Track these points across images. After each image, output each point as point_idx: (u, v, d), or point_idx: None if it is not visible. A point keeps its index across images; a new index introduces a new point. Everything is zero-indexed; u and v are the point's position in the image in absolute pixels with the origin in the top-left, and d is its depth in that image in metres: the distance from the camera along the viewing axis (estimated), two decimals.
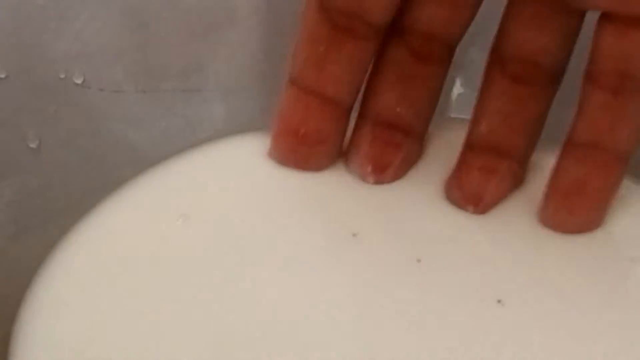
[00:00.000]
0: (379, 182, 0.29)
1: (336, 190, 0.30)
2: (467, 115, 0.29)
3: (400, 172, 0.29)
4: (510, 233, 0.28)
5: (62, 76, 0.35)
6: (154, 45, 0.36)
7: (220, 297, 0.28)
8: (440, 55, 0.29)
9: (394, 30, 0.28)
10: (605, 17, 0.26)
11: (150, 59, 0.36)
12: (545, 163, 0.29)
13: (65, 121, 0.35)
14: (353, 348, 0.26)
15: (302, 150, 0.29)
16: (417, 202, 0.29)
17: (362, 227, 0.29)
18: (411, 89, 0.28)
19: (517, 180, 0.29)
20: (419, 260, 0.27)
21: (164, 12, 0.36)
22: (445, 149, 0.30)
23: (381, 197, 0.29)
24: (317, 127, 0.28)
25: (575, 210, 0.28)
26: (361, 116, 0.29)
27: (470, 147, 0.29)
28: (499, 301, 0.27)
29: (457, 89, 0.36)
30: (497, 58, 0.28)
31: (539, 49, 0.28)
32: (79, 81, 0.35)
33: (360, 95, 0.29)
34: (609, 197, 0.28)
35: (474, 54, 0.33)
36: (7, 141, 0.33)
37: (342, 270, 0.28)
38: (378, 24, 0.27)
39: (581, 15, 0.27)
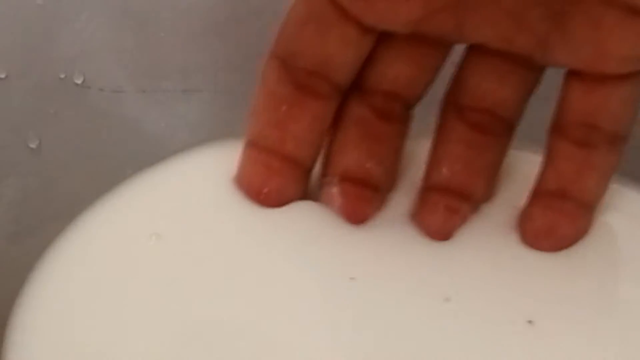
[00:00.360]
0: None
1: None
2: None
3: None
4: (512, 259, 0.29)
5: (62, 76, 0.35)
6: (154, 45, 0.36)
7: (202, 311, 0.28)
8: (402, 114, 0.29)
9: (355, 87, 0.28)
10: (573, 74, 0.27)
11: (150, 59, 0.36)
12: None
13: (65, 121, 0.35)
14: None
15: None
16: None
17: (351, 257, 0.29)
18: (378, 147, 0.29)
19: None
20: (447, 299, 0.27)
21: (164, 12, 0.36)
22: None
23: None
24: (279, 187, 0.28)
25: (545, 249, 0.29)
26: (327, 174, 0.29)
27: (431, 189, 0.29)
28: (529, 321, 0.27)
29: None
30: (454, 106, 0.29)
31: (498, 101, 0.28)
32: (79, 81, 0.35)
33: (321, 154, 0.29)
34: (576, 241, 0.29)
35: None
36: (7, 141, 0.33)
37: (318, 282, 0.28)
38: (341, 83, 0.28)
39: (542, 69, 0.28)
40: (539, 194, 0.29)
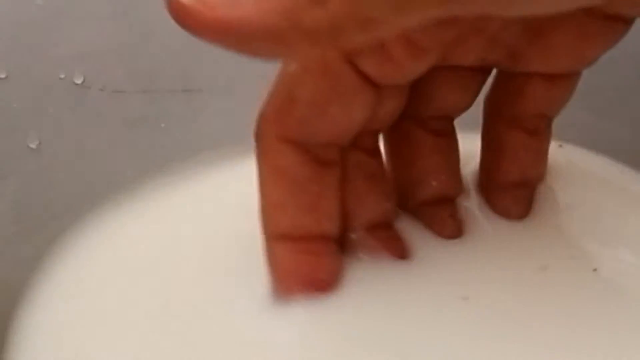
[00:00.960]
0: None
1: None
2: None
3: None
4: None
5: (62, 76, 0.35)
6: (154, 45, 0.36)
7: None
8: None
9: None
10: (538, 74, 0.27)
11: (150, 59, 0.36)
12: None
13: (65, 121, 0.35)
14: None
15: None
16: None
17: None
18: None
19: None
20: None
21: (164, 12, 0.36)
22: None
23: None
24: (331, 269, 0.27)
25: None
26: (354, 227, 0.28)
27: (430, 204, 0.29)
28: None
29: None
30: (416, 120, 0.28)
31: (460, 106, 0.28)
32: (79, 81, 0.35)
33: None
34: None
35: None
36: (7, 141, 0.33)
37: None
38: (347, 144, 0.27)
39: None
40: (505, 187, 0.29)
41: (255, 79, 0.35)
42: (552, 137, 0.30)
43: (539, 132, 0.29)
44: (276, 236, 0.27)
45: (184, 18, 0.21)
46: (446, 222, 0.29)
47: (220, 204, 0.31)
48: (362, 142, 0.27)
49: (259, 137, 0.26)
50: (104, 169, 0.34)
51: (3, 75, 0.34)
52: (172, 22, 0.37)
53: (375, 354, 0.26)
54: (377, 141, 0.28)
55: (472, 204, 0.30)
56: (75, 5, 0.35)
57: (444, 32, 0.25)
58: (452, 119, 0.29)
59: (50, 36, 0.35)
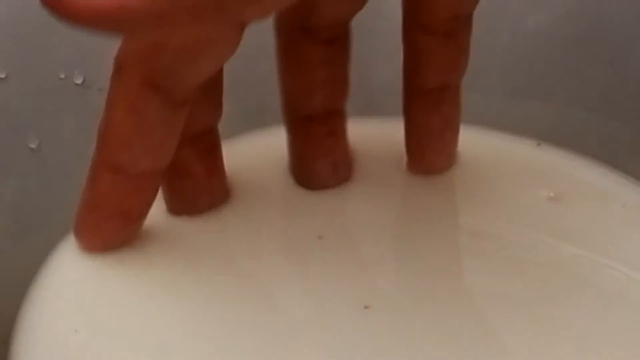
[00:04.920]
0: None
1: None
2: None
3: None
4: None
5: (62, 76, 0.35)
6: None
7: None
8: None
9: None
10: None
11: None
12: None
13: (65, 121, 0.35)
14: None
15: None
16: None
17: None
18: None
19: None
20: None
21: None
22: None
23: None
24: (146, 204, 0.28)
25: (440, 152, 0.30)
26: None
27: (311, 118, 0.29)
28: None
29: None
30: (305, 30, 0.28)
31: (351, 10, 0.28)
32: (79, 81, 0.35)
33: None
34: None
35: None
36: (7, 141, 0.33)
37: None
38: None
39: None
40: (425, 92, 0.29)
41: (255, 79, 0.35)
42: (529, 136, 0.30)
43: (455, 34, 0.28)
44: (110, 166, 0.26)
45: (59, 10, 0.20)
46: (323, 140, 0.29)
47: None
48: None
49: (120, 70, 0.25)
50: None
51: (3, 75, 0.33)
52: None
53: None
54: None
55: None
56: None
57: None
58: (345, 24, 0.28)
59: (50, 36, 0.34)
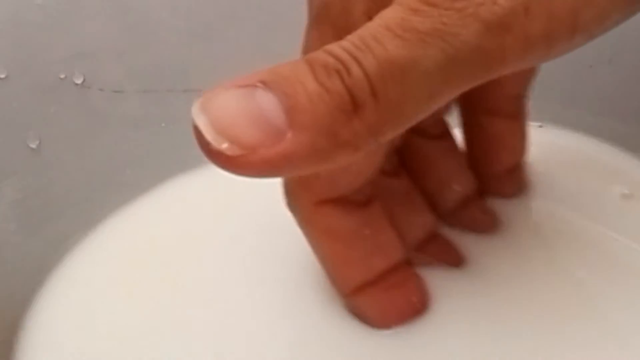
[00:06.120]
0: None
1: None
2: None
3: None
4: None
5: (62, 76, 0.35)
6: (154, 45, 0.36)
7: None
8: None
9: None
10: None
11: (150, 59, 0.36)
12: None
13: (65, 121, 0.35)
14: None
15: None
16: None
17: None
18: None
19: None
20: None
21: (164, 12, 0.36)
22: None
23: None
24: (419, 290, 0.27)
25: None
26: None
27: (457, 208, 0.29)
28: None
29: None
30: (416, 131, 0.28)
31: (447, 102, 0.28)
32: (79, 81, 0.35)
33: None
34: None
35: None
36: (7, 141, 0.33)
37: None
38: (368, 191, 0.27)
39: None
40: (500, 175, 0.29)
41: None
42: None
43: (520, 113, 0.28)
44: (354, 291, 0.26)
45: (231, 167, 0.19)
46: (478, 219, 0.29)
47: (231, 215, 0.31)
48: (383, 168, 0.27)
49: (294, 208, 0.26)
50: (104, 169, 0.34)
51: (3, 75, 0.33)
52: (172, 22, 0.37)
53: None
54: (394, 162, 0.28)
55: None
56: (75, 5, 0.35)
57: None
58: (443, 119, 0.29)
59: (50, 36, 0.35)
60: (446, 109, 0.28)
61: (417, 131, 0.28)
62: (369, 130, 0.19)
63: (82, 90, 0.35)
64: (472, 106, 0.29)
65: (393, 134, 0.20)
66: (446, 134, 0.29)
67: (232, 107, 0.19)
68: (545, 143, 0.32)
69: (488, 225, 0.29)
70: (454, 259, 0.28)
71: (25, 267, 0.30)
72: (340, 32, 0.20)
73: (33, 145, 0.34)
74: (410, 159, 0.28)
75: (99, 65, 0.35)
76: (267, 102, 0.19)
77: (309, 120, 0.19)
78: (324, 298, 0.27)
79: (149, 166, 0.34)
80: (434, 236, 0.28)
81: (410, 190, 0.28)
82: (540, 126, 0.33)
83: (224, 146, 0.19)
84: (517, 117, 0.29)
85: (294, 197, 0.26)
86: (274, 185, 0.29)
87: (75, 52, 0.35)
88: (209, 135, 0.19)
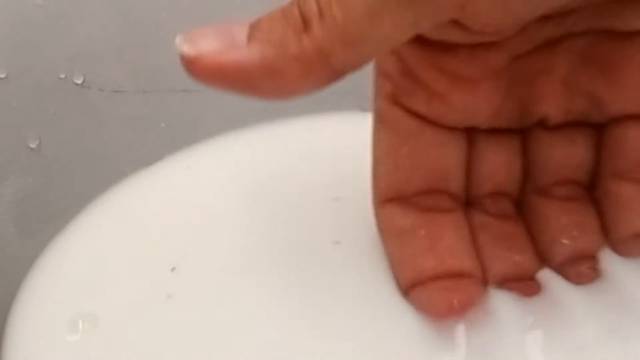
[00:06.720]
0: None
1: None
2: None
3: None
4: None
5: (62, 76, 0.35)
6: (154, 45, 0.36)
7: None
8: (514, 212, 0.28)
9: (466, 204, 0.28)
10: (626, 117, 0.27)
11: (150, 59, 0.36)
12: None
13: (65, 121, 0.35)
14: None
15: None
16: None
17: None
18: (510, 243, 0.28)
19: None
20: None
21: (164, 12, 0.36)
22: None
23: None
24: (465, 296, 0.27)
25: None
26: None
27: (566, 263, 0.28)
28: None
29: None
30: (539, 190, 0.28)
31: (578, 165, 0.28)
32: (79, 81, 0.35)
33: None
34: None
35: None
36: (7, 141, 0.33)
37: None
38: (458, 191, 0.27)
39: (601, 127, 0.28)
40: (628, 240, 0.28)
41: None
42: None
43: None
44: (405, 290, 0.27)
45: (190, 68, 0.23)
46: (583, 273, 0.28)
47: (220, 200, 0.31)
48: (486, 205, 0.28)
49: (374, 208, 0.27)
50: (104, 169, 0.34)
51: (3, 75, 0.34)
52: (172, 22, 0.37)
53: None
54: (505, 206, 0.28)
55: None
56: (75, 6, 0.35)
57: (484, 57, 0.25)
58: (581, 185, 0.28)
59: (50, 36, 0.35)
60: (576, 170, 0.28)
61: (539, 190, 0.28)
62: (315, 48, 0.22)
63: (82, 90, 0.35)
64: (600, 171, 0.28)
65: (344, 58, 0.22)
66: (576, 198, 0.28)
67: (208, 28, 0.23)
68: None
69: (587, 279, 0.28)
70: (531, 288, 0.28)
71: (25, 267, 0.30)
72: None
73: (33, 145, 0.34)
74: (525, 215, 0.28)
75: (99, 65, 0.35)
76: (239, 26, 0.23)
77: (263, 35, 0.22)
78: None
79: (149, 166, 0.34)
80: (520, 277, 0.28)
81: (509, 234, 0.28)
82: None
83: (184, 47, 0.23)
84: None
85: (373, 197, 0.27)
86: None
87: (75, 52, 0.35)
88: (180, 40, 0.23)
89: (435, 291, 0.27)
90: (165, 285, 0.28)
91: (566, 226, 0.28)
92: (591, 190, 0.28)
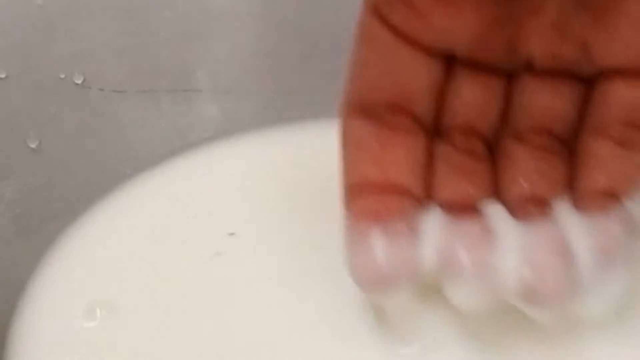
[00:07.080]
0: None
1: None
2: None
3: None
4: None
5: (62, 76, 0.35)
6: (154, 45, 0.36)
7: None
8: (484, 153, 0.28)
9: (434, 133, 0.28)
10: (615, 71, 0.26)
11: (150, 59, 0.36)
12: None
13: (65, 121, 0.35)
14: None
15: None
16: None
17: None
18: (472, 179, 0.28)
19: None
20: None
21: (164, 12, 0.36)
22: None
23: None
24: (400, 209, 0.28)
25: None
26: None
27: (519, 202, 0.28)
28: None
29: None
30: (514, 135, 0.28)
31: (559, 116, 0.28)
32: (79, 81, 0.35)
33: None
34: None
35: None
36: (7, 141, 0.33)
37: None
38: (423, 115, 0.27)
39: (588, 81, 0.27)
40: (591, 197, 0.28)
41: (255, 79, 0.35)
42: None
43: (632, 144, 0.27)
44: (350, 185, 0.28)
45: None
46: (530, 212, 0.28)
47: (221, 201, 0.31)
48: (455, 139, 0.28)
49: (341, 117, 0.28)
50: (104, 169, 0.34)
51: (3, 75, 0.34)
52: (172, 22, 0.37)
53: None
54: (474, 144, 0.28)
55: None
56: (75, 5, 0.35)
57: None
58: (557, 139, 0.28)
59: (50, 36, 0.35)
60: (555, 121, 0.28)
61: (515, 135, 0.28)
62: None
63: (82, 90, 0.35)
64: (581, 125, 0.28)
65: None
66: (551, 151, 0.28)
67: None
68: None
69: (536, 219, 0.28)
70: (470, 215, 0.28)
71: (25, 267, 0.30)
72: None
73: (33, 145, 0.34)
74: (497, 155, 0.29)
75: (99, 65, 0.35)
76: None
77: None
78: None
79: (149, 166, 0.34)
80: (465, 207, 0.28)
81: (469, 168, 0.28)
82: None
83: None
84: (626, 146, 0.27)
85: (341, 108, 0.28)
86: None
87: (75, 52, 0.35)
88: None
89: (369, 201, 0.27)
90: (182, 273, 0.28)
91: (529, 170, 0.28)
92: (567, 146, 0.28)
